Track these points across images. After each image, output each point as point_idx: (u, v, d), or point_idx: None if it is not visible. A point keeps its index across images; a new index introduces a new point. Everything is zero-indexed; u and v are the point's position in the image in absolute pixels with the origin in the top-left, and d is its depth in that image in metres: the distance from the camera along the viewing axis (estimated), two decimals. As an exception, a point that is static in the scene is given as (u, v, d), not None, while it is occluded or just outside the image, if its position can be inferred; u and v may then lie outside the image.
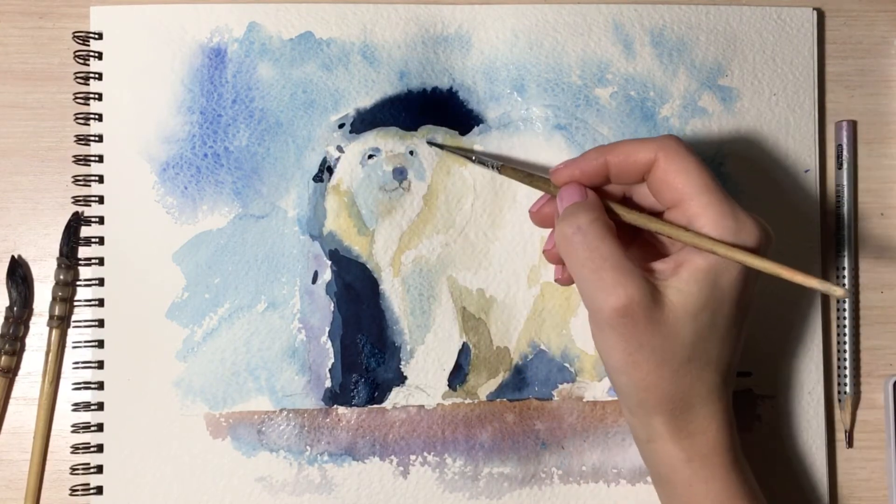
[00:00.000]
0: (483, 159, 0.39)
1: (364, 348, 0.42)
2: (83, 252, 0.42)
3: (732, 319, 0.34)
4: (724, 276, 0.33)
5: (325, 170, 0.43)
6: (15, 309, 0.42)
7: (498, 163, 0.39)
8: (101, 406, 0.41)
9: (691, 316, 0.32)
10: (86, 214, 0.42)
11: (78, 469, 0.41)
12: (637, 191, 0.37)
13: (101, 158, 0.42)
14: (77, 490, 0.41)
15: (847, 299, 0.44)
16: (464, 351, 0.43)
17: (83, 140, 0.42)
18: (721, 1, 0.45)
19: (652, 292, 0.32)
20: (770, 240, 0.34)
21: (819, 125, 0.45)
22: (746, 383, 0.43)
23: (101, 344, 0.42)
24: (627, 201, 0.37)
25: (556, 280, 0.40)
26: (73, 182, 0.42)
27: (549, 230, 0.39)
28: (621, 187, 0.37)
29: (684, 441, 0.34)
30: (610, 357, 0.33)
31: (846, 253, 0.44)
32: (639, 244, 0.38)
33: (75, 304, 0.42)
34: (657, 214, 0.36)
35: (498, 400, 0.43)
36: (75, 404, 0.41)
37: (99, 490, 0.41)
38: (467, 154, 0.42)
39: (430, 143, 0.43)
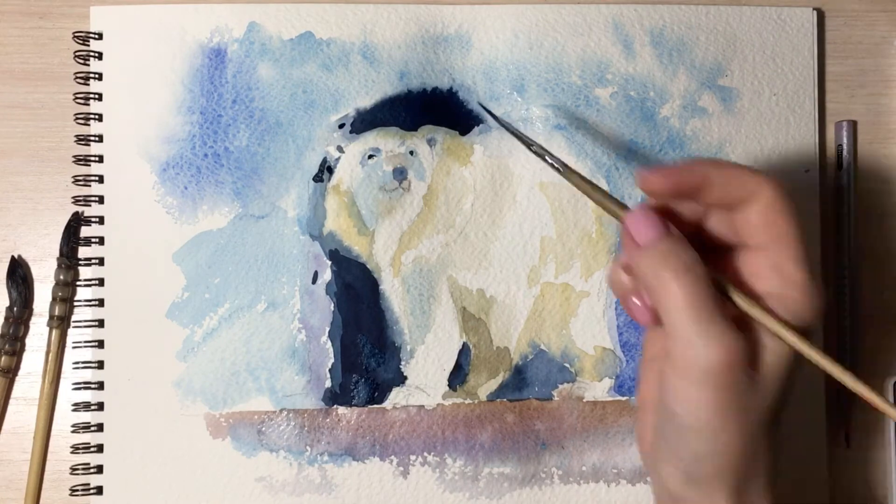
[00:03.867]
0: (542, 153, 0.35)
1: (364, 348, 0.42)
2: (83, 252, 0.42)
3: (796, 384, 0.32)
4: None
5: (325, 170, 0.43)
6: (15, 309, 0.42)
7: (561, 162, 0.35)
8: (101, 406, 0.41)
9: (781, 380, 0.30)
10: (86, 214, 0.42)
11: (78, 469, 0.41)
12: (718, 220, 0.33)
13: (101, 158, 0.42)
14: (77, 490, 0.41)
15: (848, 299, 0.44)
16: (464, 351, 0.43)
17: (83, 140, 0.42)
18: (721, 1, 0.45)
19: (750, 349, 0.29)
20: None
21: (819, 125, 0.45)
22: (746, 383, 0.43)
23: (101, 344, 0.42)
24: (697, 227, 0.33)
25: (638, 319, 0.33)
26: (73, 182, 0.42)
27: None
28: (698, 210, 0.33)
29: None
30: (697, 417, 0.30)
31: (846, 253, 0.44)
32: None
33: (75, 304, 0.42)
34: (725, 248, 0.33)
35: (498, 400, 0.43)
36: (75, 404, 0.41)
37: (99, 490, 0.41)
38: (529, 142, 0.36)
39: (492, 115, 0.40)
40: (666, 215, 0.32)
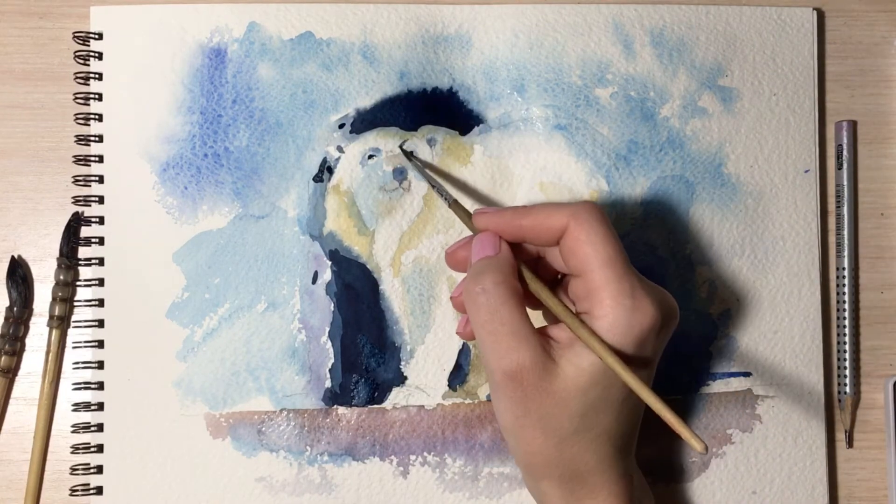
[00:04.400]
0: (441, 191, 0.39)
1: (364, 348, 0.42)
2: (83, 252, 0.42)
3: (627, 393, 0.33)
4: (618, 353, 0.32)
5: (325, 170, 0.43)
6: (15, 309, 0.42)
7: (451, 199, 0.38)
8: (101, 406, 0.41)
9: (581, 391, 0.32)
10: (86, 214, 0.42)
11: (78, 469, 0.41)
12: (553, 253, 0.36)
13: (101, 158, 0.42)
14: (77, 490, 0.41)
15: (847, 299, 0.44)
16: (464, 351, 0.43)
17: (83, 140, 0.42)
18: (721, 1, 0.45)
19: (545, 361, 0.32)
20: (672, 317, 0.34)
21: (819, 125, 0.45)
22: (746, 383, 0.43)
23: (101, 344, 0.42)
24: (542, 261, 0.37)
25: (458, 332, 0.38)
26: (73, 182, 0.42)
27: (462, 276, 0.38)
28: (535, 248, 0.36)
29: None
30: (500, 418, 0.34)
31: (846, 253, 0.44)
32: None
33: (75, 304, 0.42)
34: (562, 280, 0.36)
35: (498, 400, 0.43)
36: (75, 404, 0.41)
37: (99, 490, 0.41)
38: (431, 181, 0.41)
39: (406, 154, 0.42)
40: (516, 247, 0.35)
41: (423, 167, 0.42)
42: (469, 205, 0.43)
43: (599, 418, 0.33)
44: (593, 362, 0.32)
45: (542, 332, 0.33)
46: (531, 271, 0.34)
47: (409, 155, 0.42)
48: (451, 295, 0.38)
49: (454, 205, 0.38)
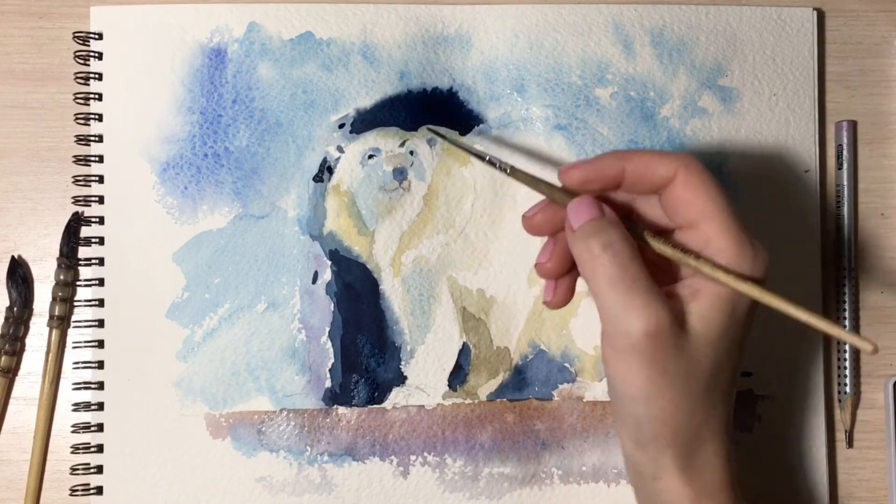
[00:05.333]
0: (494, 160, 0.37)
1: (364, 348, 0.42)
2: (83, 252, 0.42)
3: (742, 347, 0.33)
4: (740, 303, 0.32)
5: (325, 170, 0.43)
6: (15, 309, 0.42)
7: (508, 165, 0.37)
8: (101, 406, 0.41)
9: (712, 344, 0.31)
10: (86, 214, 0.42)
11: (78, 469, 0.41)
12: (643, 203, 0.35)
13: (101, 158, 0.42)
14: (77, 490, 0.41)
15: (847, 299, 0.44)
16: (464, 351, 0.43)
17: (83, 140, 0.42)
18: (721, 1, 0.45)
19: (678, 318, 0.31)
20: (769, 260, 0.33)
21: (819, 125, 0.45)
22: (746, 383, 0.43)
23: (101, 344, 0.42)
24: (631, 213, 0.35)
25: (545, 302, 0.37)
26: (73, 182, 0.42)
27: (544, 241, 0.37)
28: (629, 197, 0.35)
29: (693, 477, 0.32)
30: (630, 385, 0.31)
31: (846, 253, 0.44)
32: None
33: (75, 304, 0.42)
34: (664, 232, 0.35)
35: (498, 400, 0.43)
36: (75, 404, 0.41)
37: (99, 490, 0.41)
38: (479, 153, 0.39)
39: (434, 132, 0.42)
40: (607, 203, 0.34)
41: (462, 143, 0.41)
42: (469, 204, 0.43)
43: (724, 376, 0.32)
44: (721, 313, 0.31)
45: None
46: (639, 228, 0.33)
47: (440, 135, 0.42)
48: (538, 261, 0.36)
49: (514, 172, 0.37)
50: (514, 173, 0.37)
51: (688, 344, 0.31)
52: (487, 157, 0.38)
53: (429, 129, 0.42)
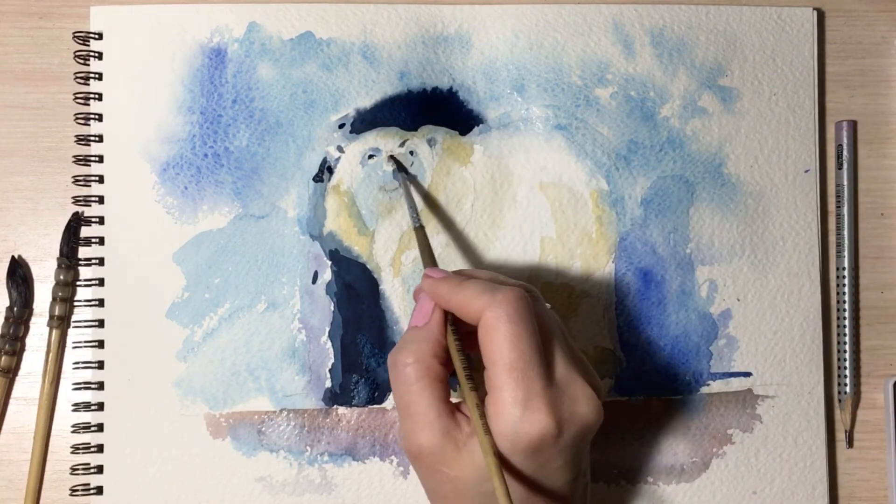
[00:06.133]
0: (413, 213, 0.39)
1: (364, 348, 0.42)
2: (83, 252, 0.42)
3: (529, 489, 0.32)
4: (503, 460, 0.31)
5: (325, 170, 0.43)
6: (15, 309, 0.42)
7: (417, 223, 0.38)
8: (101, 406, 0.41)
9: (477, 483, 0.31)
10: (86, 214, 0.42)
11: (78, 469, 0.41)
12: None
13: (101, 158, 0.42)
14: (77, 490, 0.41)
15: (847, 299, 0.44)
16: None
17: (83, 140, 0.42)
18: (721, 1, 0.45)
19: (445, 448, 0.31)
20: (577, 423, 0.31)
21: (819, 125, 0.45)
22: (746, 383, 0.43)
23: (101, 344, 0.42)
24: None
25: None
26: (73, 182, 0.42)
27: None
28: None
29: None
30: (421, 483, 0.34)
31: (846, 253, 0.44)
32: None
33: (75, 304, 0.42)
34: None
35: (498, 400, 0.43)
36: (75, 404, 0.41)
37: (99, 490, 0.41)
38: (408, 201, 0.40)
39: (398, 164, 0.42)
40: None
41: (409, 184, 0.42)
42: (469, 204, 0.43)
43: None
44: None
45: (456, 410, 0.32)
46: (459, 345, 0.33)
47: (400, 166, 0.42)
48: (414, 290, 0.37)
49: (418, 230, 0.38)
50: (417, 231, 0.38)
51: (453, 472, 0.31)
52: (410, 208, 0.39)
53: (392, 159, 0.43)
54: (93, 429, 0.41)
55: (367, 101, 0.43)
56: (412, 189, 0.42)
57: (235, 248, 0.42)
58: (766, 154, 0.44)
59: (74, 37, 0.42)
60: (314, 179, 0.43)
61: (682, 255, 0.44)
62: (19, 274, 0.42)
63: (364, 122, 0.43)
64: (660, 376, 0.42)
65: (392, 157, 0.43)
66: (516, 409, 0.30)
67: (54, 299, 0.42)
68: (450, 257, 0.43)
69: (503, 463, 0.30)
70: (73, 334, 0.42)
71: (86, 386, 0.41)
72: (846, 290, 0.44)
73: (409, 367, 0.32)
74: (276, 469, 0.42)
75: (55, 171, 0.43)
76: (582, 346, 0.43)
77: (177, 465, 0.41)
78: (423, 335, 0.33)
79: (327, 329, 0.42)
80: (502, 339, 0.31)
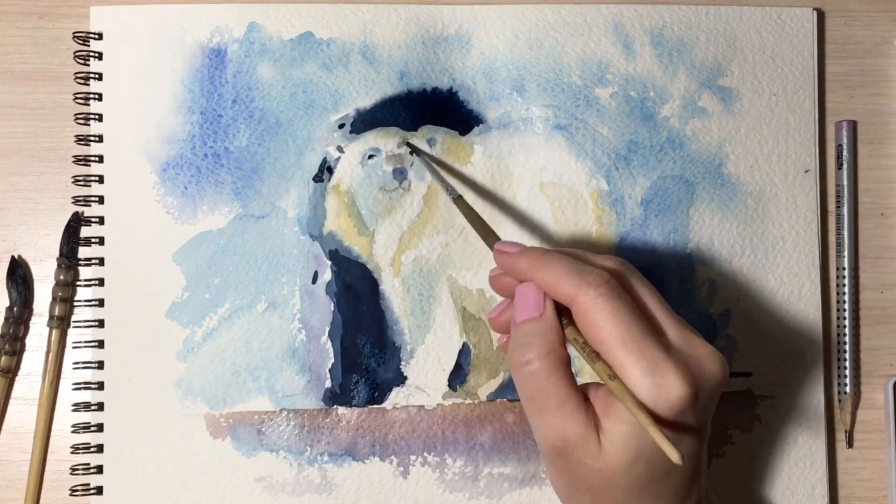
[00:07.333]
0: (446, 186, 0.39)
1: (364, 348, 0.42)
2: (83, 252, 0.42)
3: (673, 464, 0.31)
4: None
5: (325, 170, 0.43)
6: (15, 309, 0.42)
7: (455, 193, 0.38)
8: (101, 406, 0.41)
9: (626, 466, 0.30)
10: (86, 214, 0.42)
11: (78, 469, 0.41)
12: None
13: (101, 158, 0.42)
14: (77, 490, 0.41)
15: (847, 299, 0.44)
16: (464, 351, 0.43)
17: (83, 140, 0.42)
18: (721, 1, 0.45)
19: (589, 437, 0.30)
20: (709, 380, 0.31)
21: (819, 125, 0.45)
22: (746, 383, 0.43)
23: (101, 344, 0.42)
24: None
25: (501, 345, 0.38)
26: (73, 182, 0.42)
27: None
28: None
29: None
30: (552, 484, 0.33)
31: (846, 253, 0.44)
32: None
33: (75, 304, 0.42)
34: None
35: (498, 400, 0.43)
36: (75, 404, 0.41)
37: (99, 490, 0.41)
38: (437, 175, 0.40)
39: (413, 148, 0.42)
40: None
41: (431, 161, 0.42)
42: (470, 204, 0.43)
43: (651, 489, 0.31)
44: (626, 440, 0.30)
45: (585, 393, 0.32)
46: (575, 326, 0.32)
47: (416, 149, 0.42)
48: (490, 316, 0.36)
49: (458, 200, 0.38)
50: (459, 202, 0.37)
51: (599, 464, 0.30)
52: (441, 182, 0.39)
53: (408, 145, 0.43)
54: (93, 429, 0.41)
55: (367, 101, 0.43)
56: (434, 165, 0.42)
57: (235, 248, 0.42)
58: (766, 154, 0.44)
59: (74, 37, 0.42)
60: (314, 179, 0.43)
61: (681, 255, 0.44)
62: (19, 274, 0.42)
63: (364, 122, 0.43)
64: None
65: (408, 143, 0.43)
66: (646, 378, 0.29)
67: (54, 299, 0.42)
68: (450, 257, 0.43)
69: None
70: (73, 334, 0.42)
71: (86, 386, 0.41)
72: (846, 290, 0.44)
73: (540, 363, 0.31)
74: (275, 469, 0.42)
75: (55, 171, 0.43)
76: (582, 346, 0.43)
77: (177, 465, 0.41)
78: (542, 328, 0.32)
79: (327, 329, 0.42)
80: (605, 319, 0.30)
